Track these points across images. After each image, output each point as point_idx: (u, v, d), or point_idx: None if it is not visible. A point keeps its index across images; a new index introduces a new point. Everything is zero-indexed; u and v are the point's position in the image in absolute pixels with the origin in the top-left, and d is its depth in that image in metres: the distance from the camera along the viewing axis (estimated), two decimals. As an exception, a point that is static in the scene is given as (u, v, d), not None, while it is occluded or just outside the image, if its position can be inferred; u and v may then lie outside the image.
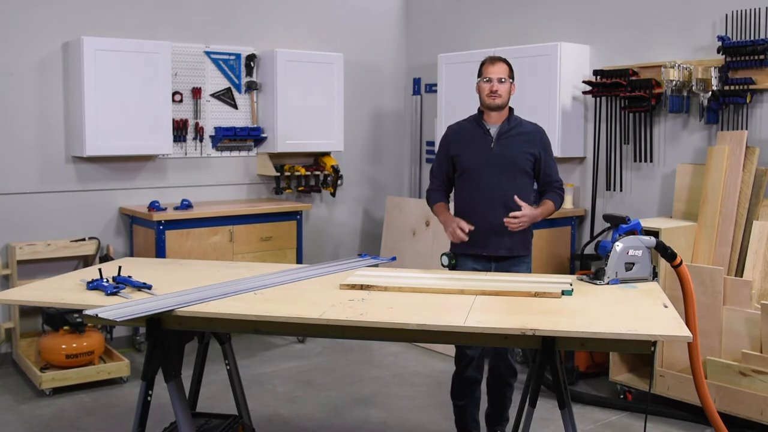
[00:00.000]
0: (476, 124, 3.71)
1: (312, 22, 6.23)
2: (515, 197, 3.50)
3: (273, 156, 5.92)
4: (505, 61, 3.68)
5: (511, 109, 3.73)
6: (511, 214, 3.46)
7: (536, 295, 2.93)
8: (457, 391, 3.74)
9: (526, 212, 3.49)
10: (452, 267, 3.68)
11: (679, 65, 4.57)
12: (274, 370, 5.04)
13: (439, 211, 3.75)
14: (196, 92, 5.66)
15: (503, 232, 3.56)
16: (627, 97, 4.92)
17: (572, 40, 5.29)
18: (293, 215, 5.65)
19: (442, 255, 3.71)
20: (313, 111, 5.90)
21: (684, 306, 3.19)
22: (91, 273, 3.26)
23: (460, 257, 3.68)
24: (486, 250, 3.64)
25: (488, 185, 3.63)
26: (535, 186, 3.80)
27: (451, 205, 3.84)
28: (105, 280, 3.07)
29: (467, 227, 3.53)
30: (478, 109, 3.72)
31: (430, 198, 3.83)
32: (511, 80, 3.66)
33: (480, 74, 3.68)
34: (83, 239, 5.20)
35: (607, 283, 3.12)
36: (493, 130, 3.66)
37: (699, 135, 4.71)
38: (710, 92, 4.48)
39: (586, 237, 5.29)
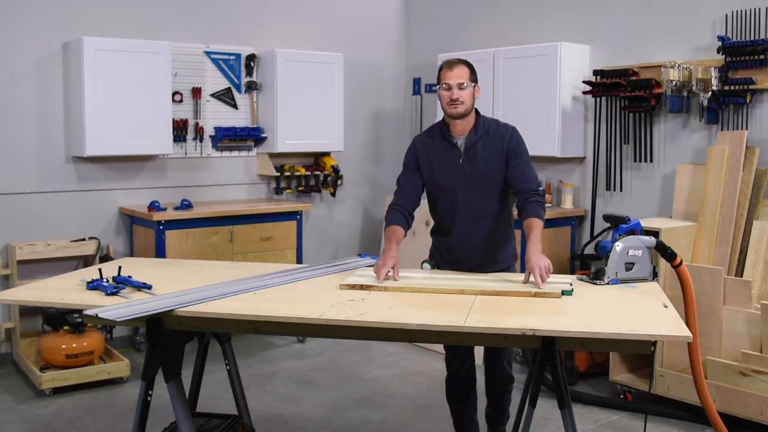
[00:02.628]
0: (442, 138, 3.42)
1: (312, 22, 6.23)
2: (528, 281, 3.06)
3: (273, 156, 5.92)
4: (465, 63, 3.36)
5: (477, 114, 3.43)
6: (537, 283, 2.99)
7: (536, 295, 2.93)
8: (451, 394, 3.71)
9: (538, 267, 3.01)
10: None
11: (679, 65, 4.57)
12: (274, 370, 5.04)
13: (387, 236, 3.36)
14: (196, 92, 5.66)
15: (481, 250, 3.40)
16: (627, 97, 4.92)
17: (572, 40, 5.29)
18: (293, 215, 5.64)
19: (423, 263, 3.54)
20: (313, 111, 5.90)
21: (684, 306, 3.19)
22: (91, 273, 3.26)
23: (441, 264, 3.53)
24: (464, 267, 3.43)
25: (462, 203, 3.40)
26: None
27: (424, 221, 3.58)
28: (105, 280, 3.07)
29: (390, 276, 3.15)
30: (443, 118, 3.44)
31: (388, 216, 3.45)
32: (473, 83, 3.34)
33: (438, 80, 3.36)
34: (83, 239, 5.20)
35: (607, 283, 3.12)
36: (461, 143, 3.39)
37: (699, 135, 4.71)
38: (710, 92, 4.49)
39: (586, 237, 5.29)
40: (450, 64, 3.35)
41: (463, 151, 3.39)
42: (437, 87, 3.38)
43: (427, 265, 3.54)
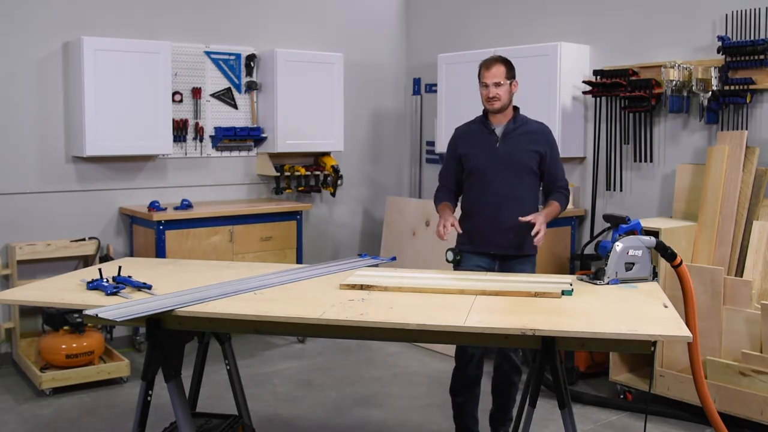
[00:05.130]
0: (482, 125, 3.73)
1: (312, 22, 6.23)
2: (519, 219, 3.50)
3: (273, 156, 5.92)
4: (502, 61, 3.66)
5: (516, 109, 3.74)
6: (534, 234, 3.46)
7: (536, 295, 2.93)
8: (456, 388, 3.74)
9: (539, 221, 3.47)
10: (456, 263, 3.71)
11: (679, 65, 4.57)
12: (274, 370, 5.04)
13: (440, 209, 3.75)
14: (196, 92, 5.66)
15: (510, 230, 3.60)
16: (627, 97, 4.92)
17: (572, 40, 5.29)
18: (293, 215, 5.65)
19: (447, 250, 3.73)
20: (313, 111, 5.90)
21: (684, 306, 3.19)
22: (91, 273, 3.26)
23: (465, 254, 3.71)
24: (492, 248, 3.67)
25: (494, 184, 3.65)
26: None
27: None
28: (105, 280, 3.07)
29: (454, 229, 3.54)
30: (483, 110, 3.74)
31: (436, 197, 3.84)
32: (510, 80, 3.64)
33: (478, 78, 3.67)
34: (83, 239, 5.20)
35: (607, 283, 3.12)
36: (499, 130, 3.68)
37: (699, 135, 4.71)
38: (710, 92, 4.48)
39: (586, 237, 5.29)
40: (487, 64, 3.65)
41: (500, 137, 3.66)
42: (478, 84, 3.67)
43: (450, 253, 3.72)
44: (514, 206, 3.61)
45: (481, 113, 3.78)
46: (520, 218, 3.50)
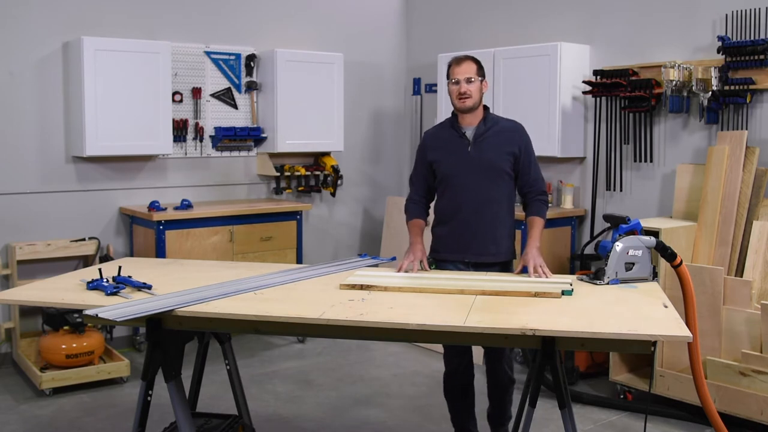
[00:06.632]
0: (452, 129, 3.57)
1: (312, 22, 6.23)
2: (513, 273, 3.42)
3: (273, 156, 5.92)
4: (472, 59, 3.53)
5: (486, 108, 3.59)
6: (534, 275, 3.29)
7: (536, 295, 2.93)
8: (449, 391, 3.72)
9: (530, 263, 3.33)
10: None
11: (679, 65, 4.57)
12: (274, 370, 5.04)
13: (411, 230, 3.62)
14: (196, 92, 5.66)
15: (485, 237, 3.50)
16: (627, 97, 4.92)
17: (572, 40, 5.29)
18: (293, 215, 5.65)
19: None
20: (313, 111, 5.90)
21: (684, 306, 3.19)
22: (91, 273, 3.27)
23: (440, 263, 3.60)
24: (467, 256, 3.54)
25: (468, 189, 3.51)
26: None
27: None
28: (105, 280, 3.07)
29: (421, 267, 3.44)
30: (452, 112, 3.59)
31: (408, 210, 3.70)
32: (480, 78, 3.50)
33: (447, 76, 3.53)
34: (83, 239, 5.20)
35: (607, 283, 3.12)
36: (469, 133, 3.52)
37: (699, 135, 4.72)
38: (710, 92, 4.48)
39: (586, 237, 5.29)
40: (458, 61, 3.53)
41: (471, 141, 3.53)
42: (447, 83, 3.55)
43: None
44: (489, 211, 3.50)
45: (450, 114, 3.62)
46: (514, 273, 3.41)
